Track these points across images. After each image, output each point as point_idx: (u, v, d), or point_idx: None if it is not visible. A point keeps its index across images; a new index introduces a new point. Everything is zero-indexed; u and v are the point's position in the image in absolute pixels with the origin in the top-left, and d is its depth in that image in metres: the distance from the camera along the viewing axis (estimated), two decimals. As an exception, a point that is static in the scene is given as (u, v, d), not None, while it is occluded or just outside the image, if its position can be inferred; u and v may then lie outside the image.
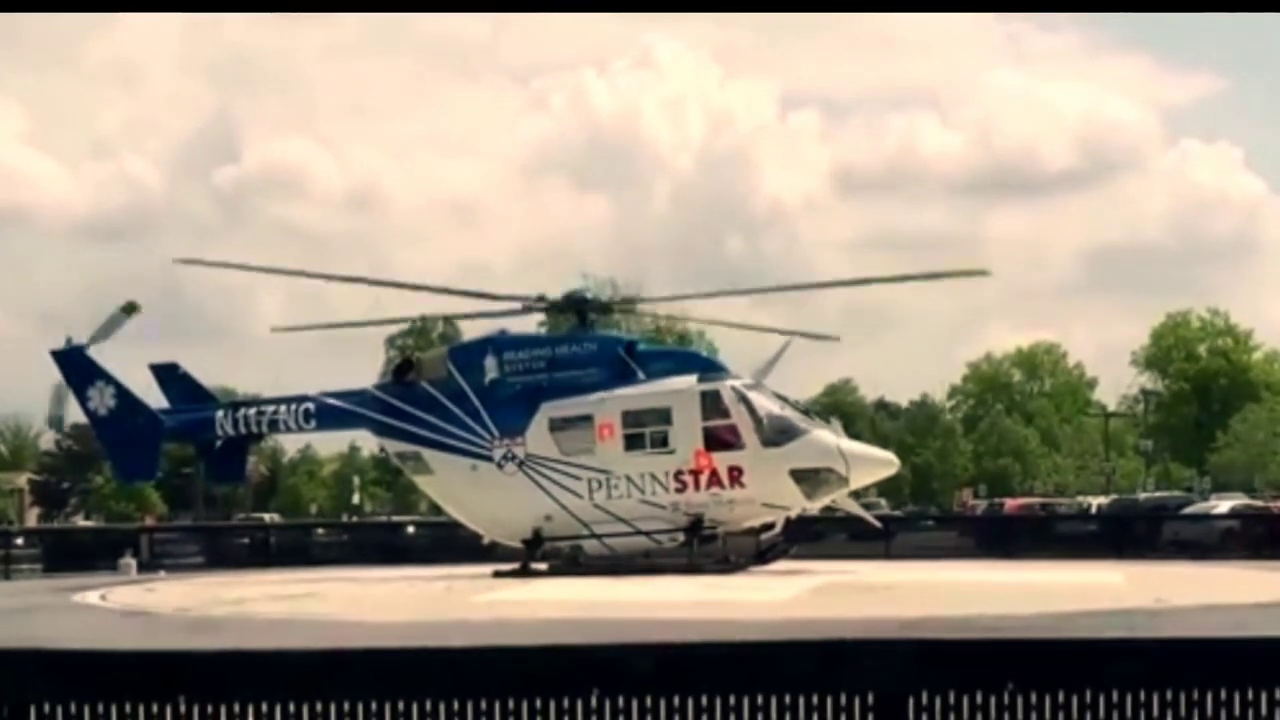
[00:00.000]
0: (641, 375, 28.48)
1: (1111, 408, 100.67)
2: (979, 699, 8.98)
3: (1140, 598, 20.47)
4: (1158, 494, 63.72)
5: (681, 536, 27.83)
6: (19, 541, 36.54)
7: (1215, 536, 35.71)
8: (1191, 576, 26.16)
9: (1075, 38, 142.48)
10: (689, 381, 28.12)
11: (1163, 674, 9.14)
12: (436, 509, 33.82)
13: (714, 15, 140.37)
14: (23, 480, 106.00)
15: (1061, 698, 9.01)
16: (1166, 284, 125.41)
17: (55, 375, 32.20)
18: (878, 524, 33.01)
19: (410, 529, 44.04)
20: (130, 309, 31.52)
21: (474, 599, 22.71)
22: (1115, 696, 9.00)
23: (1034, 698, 8.99)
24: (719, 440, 27.71)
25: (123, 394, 31.67)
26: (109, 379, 31.73)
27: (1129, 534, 36.35)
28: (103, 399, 31.64)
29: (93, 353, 31.77)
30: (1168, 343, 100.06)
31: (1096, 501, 56.05)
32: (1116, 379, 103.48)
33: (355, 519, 78.99)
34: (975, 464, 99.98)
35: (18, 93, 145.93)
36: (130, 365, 33.33)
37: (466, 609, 20.93)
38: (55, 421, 33.77)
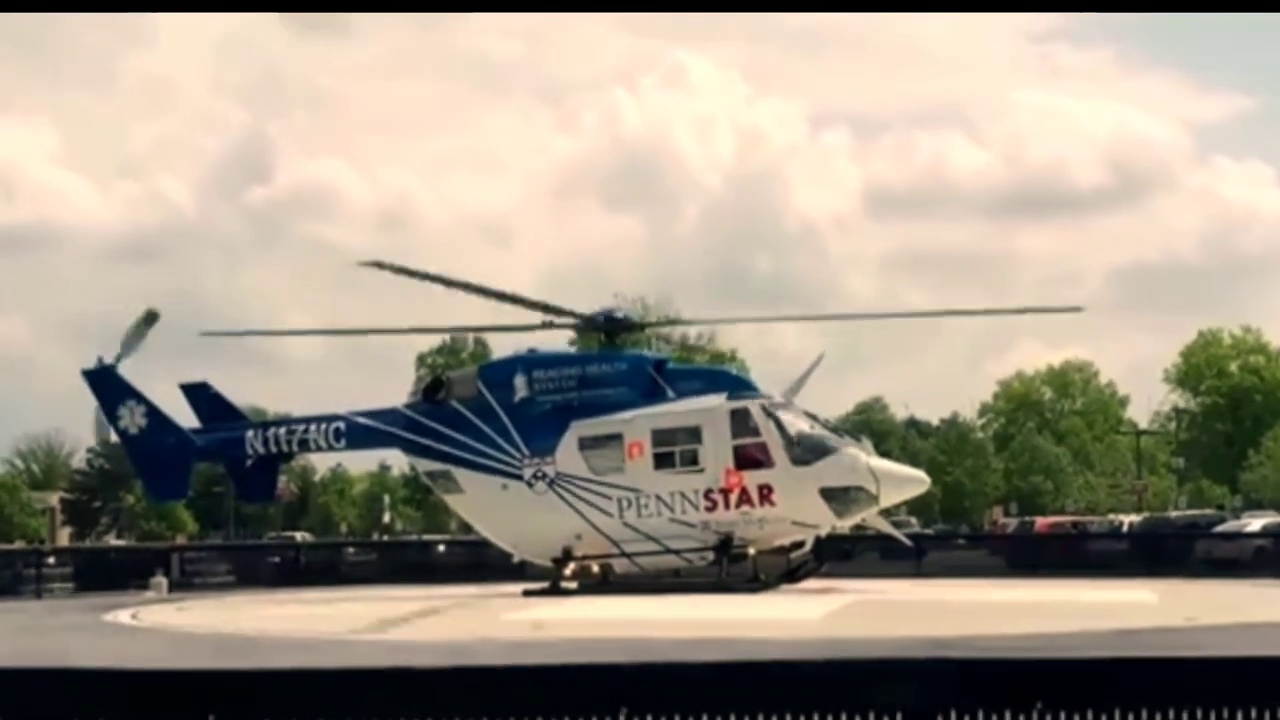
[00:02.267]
0: (671, 394, 28.50)
1: (1143, 426, 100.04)
2: (1008, 718, 8.93)
3: (1172, 616, 20.35)
4: (1189, 512, 63.13)
5: (711, 555, 27.80)
6: (51, 560, 36.73)
7: (1247, 554, 35.37)
8: (1224, 595, 25.95)
9: (1106, 55, 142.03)
10: (718, 400, 28.12)
11: (1195, 693, 9.08)
12: (467, 528, 33.90)
13: (744, 33, 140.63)
14: (55, 499, 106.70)
15: (1091, 717, 8.96)
16: (1198, 301, 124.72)
17: (88, 395, 32.48)
18: (908, 542, 32.88)
19: (441, 548, 44.08)
20: (151, 318, 31.70)
21: (504, 617, 22.73)
22: (1146, 716, 8.94)
23: (1063, 717, 8.94)
24: (749, 459, 27.68)
25: (154, 413, 31.88)
26: (140, 398, 31.95)
27: (1161, 552, 36.02)
28: (134, 418, 31.86)
29: (124, 370, 32.02)
30: (1199, 360, 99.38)
31: (1128, 520, 55.58)
32: (1148, 397, 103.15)
33: (386, 538, 79.18)
34: (1006, 482, 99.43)
35: (50, 112, 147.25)
36: (161, 384, 33.60)
37: (497, 627, 20.96)
38: (104, 442, 33.85)
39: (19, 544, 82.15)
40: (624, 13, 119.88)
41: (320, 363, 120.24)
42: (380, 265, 28.41)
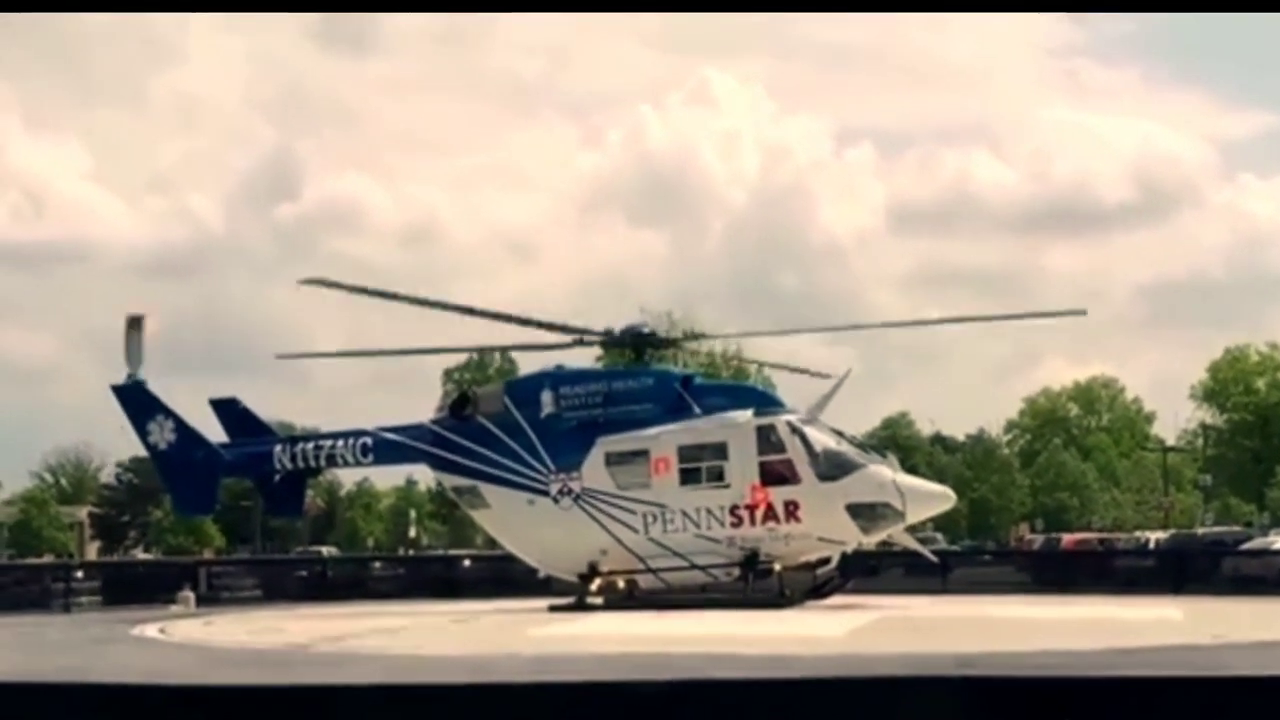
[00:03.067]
0: (697, 410, 28.54)
1: (1170, 442, 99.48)
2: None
3: (1199, 634, 20.24)
4: (1217, 529, 62.66)
5: (737, 571, 27.79)
6: (79, 574, 36.99)
7: (1275, 572, 35.13)
8: (1251, 612, 25.78)
9: (1133, 73, 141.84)
10: (745, 416, 28.14)
11: (1222, 711, 9.04)
12: (492, 543, 33.96)
13: (770, 49, 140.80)
14: (83, 513, 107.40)
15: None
16: (1224, 318, 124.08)
17: (116, 410, 32.74)
18: (934, 559, 32.79)
19: (466, 563, 44.18)
20: (136, 323, 31.86)
21: (530, 633, 22.79)
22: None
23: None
24: (775, 475, 27.68)
25: (182, 428, 32.11)
26: (169, 413, 32.19)
27: (1188, 569, 35.78)
28: (163, 433, 32.09)
29: (152, 386, 32.28)
30: (1226, 377, 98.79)
31: (1155, 536, 55.28)
32: (1175, 413, 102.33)
33: (411, 553, 79.35)
34: (1033, 498, 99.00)
35: (81, 130, 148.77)
36: (190, 398, 33.82)
37: (523, 643, 21.01)
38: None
39: (48, 557, 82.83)
40: (634, 12, 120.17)
41: (346, 379, 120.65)
42: (321, 283, 28.76)
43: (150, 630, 24.68)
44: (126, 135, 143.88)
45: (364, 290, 30.14)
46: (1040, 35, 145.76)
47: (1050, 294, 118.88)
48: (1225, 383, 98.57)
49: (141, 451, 33.87)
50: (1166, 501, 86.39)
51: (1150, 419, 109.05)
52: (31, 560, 76.39)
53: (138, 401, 32.22)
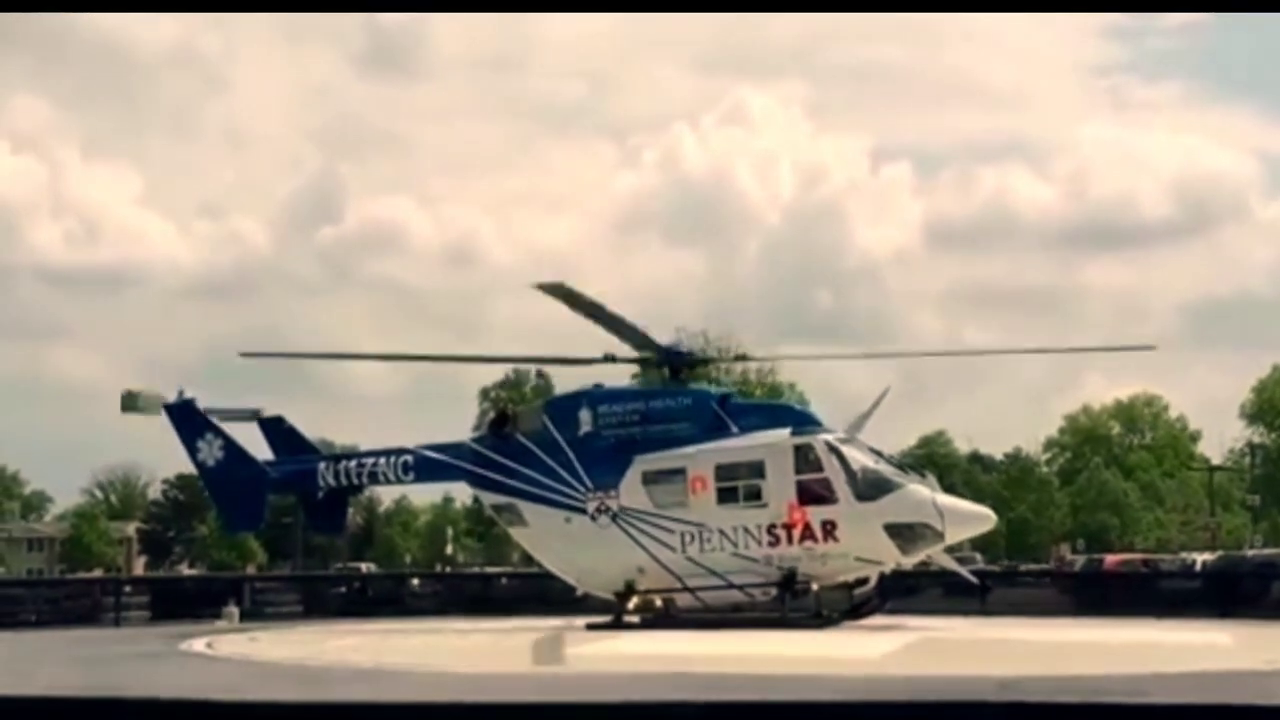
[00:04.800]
0: (734, 429, 28.56)
1: (1216, 461, 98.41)
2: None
3: (1250, 659, 19.99)
4: (1266, 550, 61.93)
5: (774, 590, 27.74)
6: (128, 589, 37.42)
7: (1326, 595, 34.62)
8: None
9: (1175, 89, 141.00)
10: (782, 435, 28.13)
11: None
12: (528, 560, 34.06)
13: (806, 69, 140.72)
14: (131, 529, 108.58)
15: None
16: (1270, 335, 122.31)
17: (165, 429, 33.18)
18: (974, 579, 32.60)
19: (503, 580, 44.28)
20: (255, 414, 32.63)
21: (567, 652, 22.86)
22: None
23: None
24: (812, 494, 27.63)
25: (230, 446, 32.51)
26: (218, 431, 32.62)
27: (1235, 592, 35.23)
28: (211, 451, 32.50)
29: (201, 405, 32.71)
30: (1273, 395, 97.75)
31: (1201, 558, 54.65)
32: (1220, 432, 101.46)
33: (448, 570, 79.58)
34: (1072, 518, 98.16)
35: (132, 156, 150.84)
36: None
37: (561, 662, 21.08)
38: (129, 400, 34.01)
39: (97, 572, 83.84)
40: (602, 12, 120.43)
41: (385, 397, 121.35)
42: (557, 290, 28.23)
43: (198, 645, 24.94)
44: (178, 162, 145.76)
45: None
46: (1081, 52, 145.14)
47: (1090, 312, 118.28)
48: (1272, 401, 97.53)
49: (187, 469, 34.29)
50: (1213, 522, 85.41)
51: (1195, 438, 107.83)
52: (82, 575, 77.36)
53: (188, 420, 32.68)
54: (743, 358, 38.89)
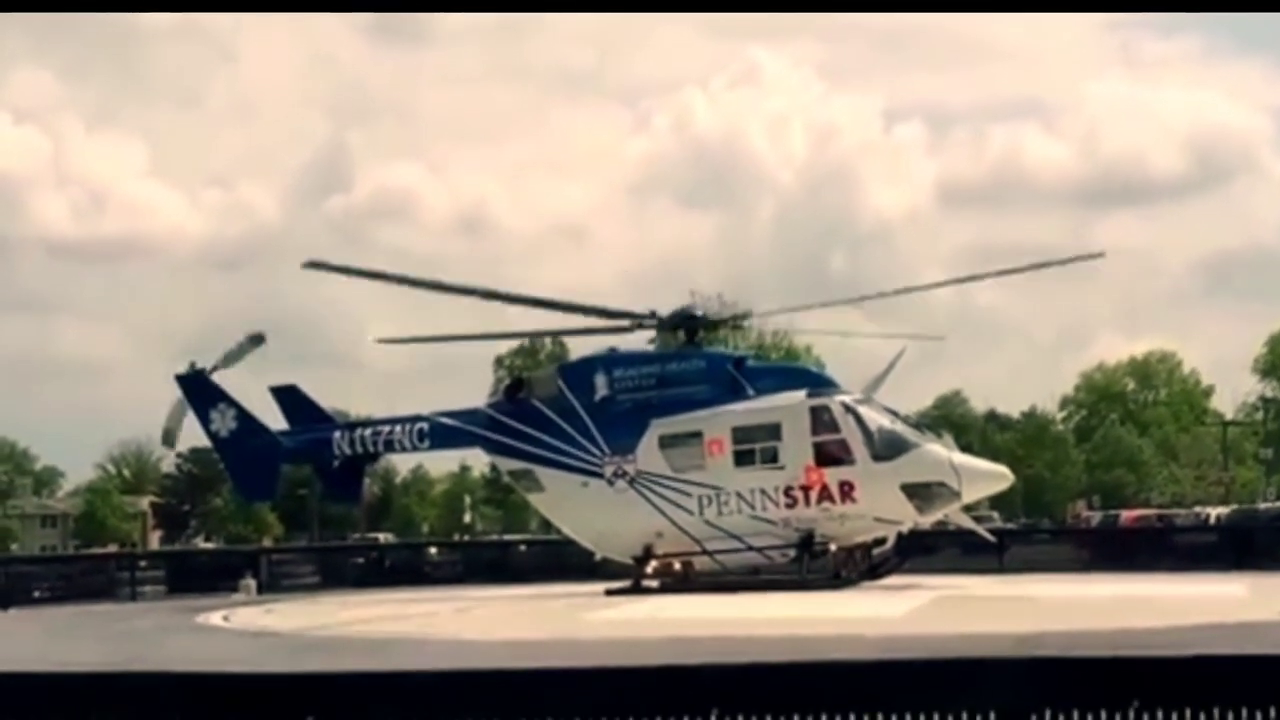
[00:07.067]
0: (751, 391, 28.48)
1: (1230, 416, 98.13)
2: (1104, 717, 8.87)
3: (1265, 610, 19.98)
4: (1278, 504, 61.84)
5: (792, 552, 27.75)
6: (143, 563, 37.51)
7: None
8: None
9: (1190, 43, 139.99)
10: (798, 397, 28.05)
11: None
12: (546, 527, 34.07)
13: (818, 31, 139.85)
14: (145, 503, 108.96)
15: (1189, 716, 8.86)
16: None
17: (174, 400, 33.10)
18: (991, 538, 32.58)
19: (521, 547, 44.35)
20: (257, 340, 32.42)
21: (588, 617, 22.87)
22: (1245, 714, 8.83)
23: (1160, 716, 8.86)
24: (829, 455, 27.59)
25: (243, 416, 32.47)
26: (231, 401, 32.55)
27: (1249, 545, 35.29)
28: (224, 421, 32.46)
29: (216, 376, 32.63)
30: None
31: (1215, 512, 54.59)
32: (1234, 387, 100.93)
33: (466, 538, 79.79)
34: (1089, 475, 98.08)
35: (140, 128, 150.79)
36: (250, 387, 34.14)
37: (581, 627, 21.09)
38: (168, 437, 34.33)
39: (112, 547, 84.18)
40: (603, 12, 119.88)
41: (400, 367, 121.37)
42: (321, 266, 29.45)
43: (215, 618, 24.99)
44: (185, 132, 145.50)
45: (361, 272, 31.35)
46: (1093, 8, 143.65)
47: (1104, 268, 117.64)
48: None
49: (201, 442, 34.33)
50: (1227, 476, 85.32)
51: (1208, 393, 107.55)
52: (97, 550, 77.68)
53: (201, 390, 32.61)
54: (744, 315, 38.72)
